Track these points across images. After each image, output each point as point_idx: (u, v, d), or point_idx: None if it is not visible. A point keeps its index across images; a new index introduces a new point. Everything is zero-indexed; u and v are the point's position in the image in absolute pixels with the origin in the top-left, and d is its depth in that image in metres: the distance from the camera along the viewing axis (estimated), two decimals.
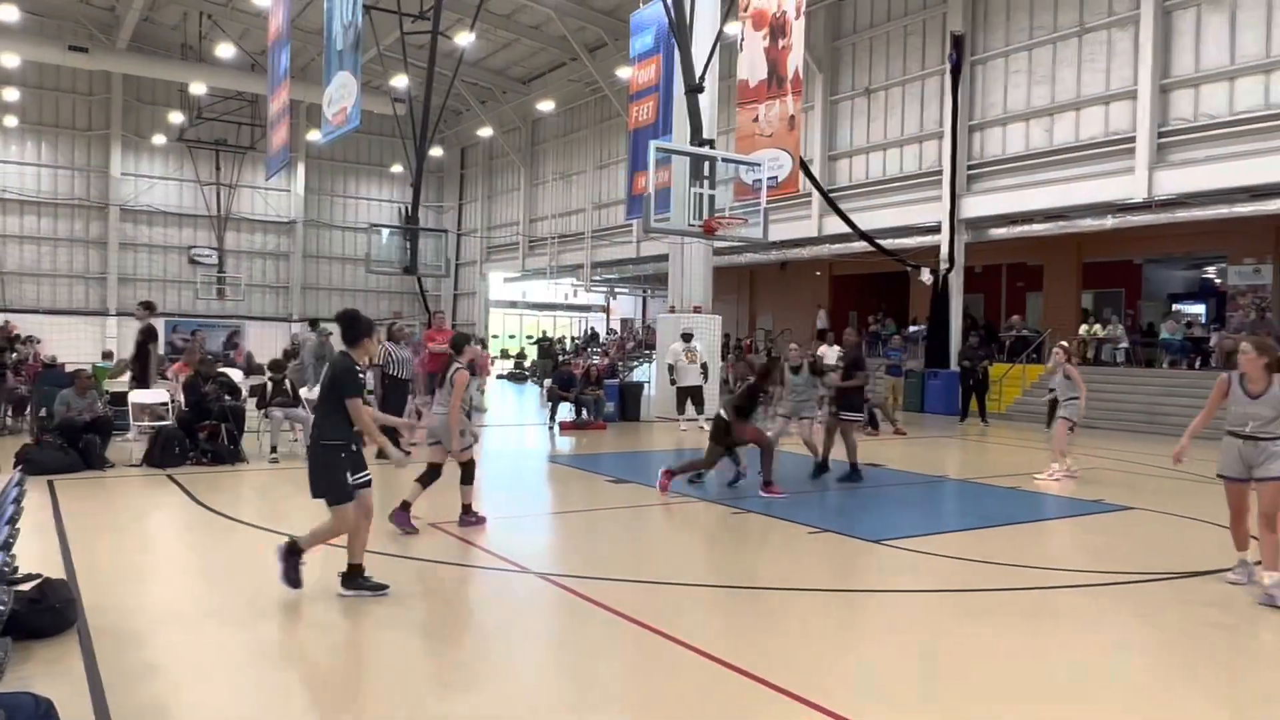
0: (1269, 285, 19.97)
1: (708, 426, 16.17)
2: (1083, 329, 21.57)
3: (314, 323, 20.44)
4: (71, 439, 10.39)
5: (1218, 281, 24.16)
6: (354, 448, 5.50)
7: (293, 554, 5.54)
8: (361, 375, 5.65)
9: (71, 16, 32.45)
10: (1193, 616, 5.68)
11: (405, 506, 7.58)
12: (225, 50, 30.27)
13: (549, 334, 40.48)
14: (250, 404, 12.63)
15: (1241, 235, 20.03)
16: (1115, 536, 7.98)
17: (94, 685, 4.13)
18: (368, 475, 5.59)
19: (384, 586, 5.58)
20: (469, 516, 7.88)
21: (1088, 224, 19.52)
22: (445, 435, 7.63)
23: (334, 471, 5.47)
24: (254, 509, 8.70)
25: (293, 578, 5.51)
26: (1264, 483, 5.96)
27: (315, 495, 5.51)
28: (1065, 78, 19.31)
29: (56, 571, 5.47)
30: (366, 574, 5.61)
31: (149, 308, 11.37)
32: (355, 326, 5.68)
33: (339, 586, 5.54)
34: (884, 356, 20.39)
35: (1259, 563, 6.01)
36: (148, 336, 11.39)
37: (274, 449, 11.37)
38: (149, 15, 31.56)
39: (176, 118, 35.18)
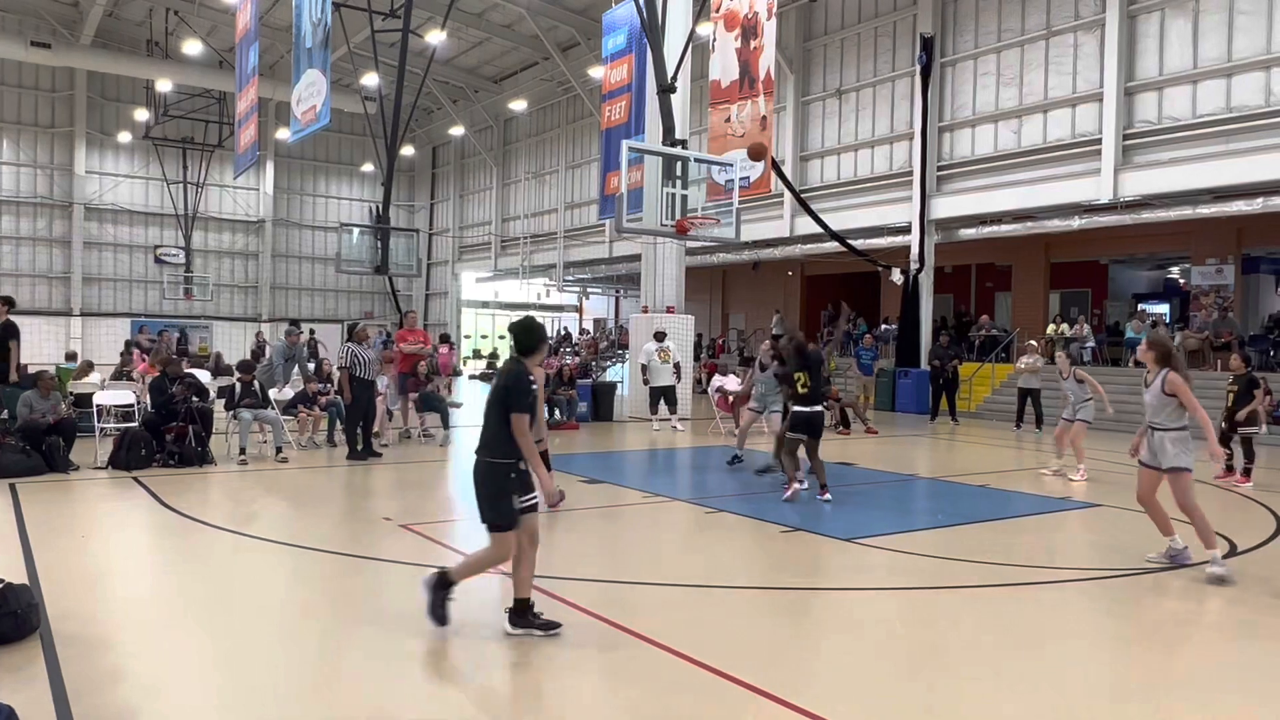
0: (1231, 285, 20.33)
1: (680, 426, 16.31)
2: (1050, 328, 21.84)
3: (294, 323, 20.25)
4: (34, 441, 10.21)
5: (1181, 281, 24.58)
6: (522, 467, 4.91)
7: (442, 586, 4.96)
8: (534, 387, 5.04)
9: (34, 12, 31.91)
10: (1158, 610, 5.77)
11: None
12: (192, 47, 29.90)
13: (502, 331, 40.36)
14: (218, 405, 12.47)
15: (1204, 236, 20.40)
16: (1082, 533, 8.09)
17: (57, 692, 4.06)
18: (535, 498, 5.01)
19: (556, 625, 4.92)
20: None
21: (1055, 225, 19.78)
22: None
23: (501, 494, 4.88)
24: (222, 512, 8.60)
25: (439, 614, 4.94)
26: (1163, 473, 6.46)
27: (484, 520, 4.94)
28: (1033, 80, 19.54)
29: (19, 576, 5.37)
30: (536, 609, 4.99)
31: (7, 303, 11.19)
32: (531, 334, 5.10)
33: (506, 624, 4.92)
34: (854, 356, 20.56)
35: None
36: (7, 333, 11.16)
37: (243, 451, 11.24)
38: (113, 11, 31.13)
39: (142, 115, 34.70)
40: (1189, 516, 6.42)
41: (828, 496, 9.01)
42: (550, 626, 4.91)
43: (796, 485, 9.13)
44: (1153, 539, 7.08)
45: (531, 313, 5.44)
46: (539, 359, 5.17)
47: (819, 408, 9.22)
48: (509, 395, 4.85)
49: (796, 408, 9.15)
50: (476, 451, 4.96)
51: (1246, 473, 10.55)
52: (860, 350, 20.64)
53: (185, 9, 30.37)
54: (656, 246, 18.73)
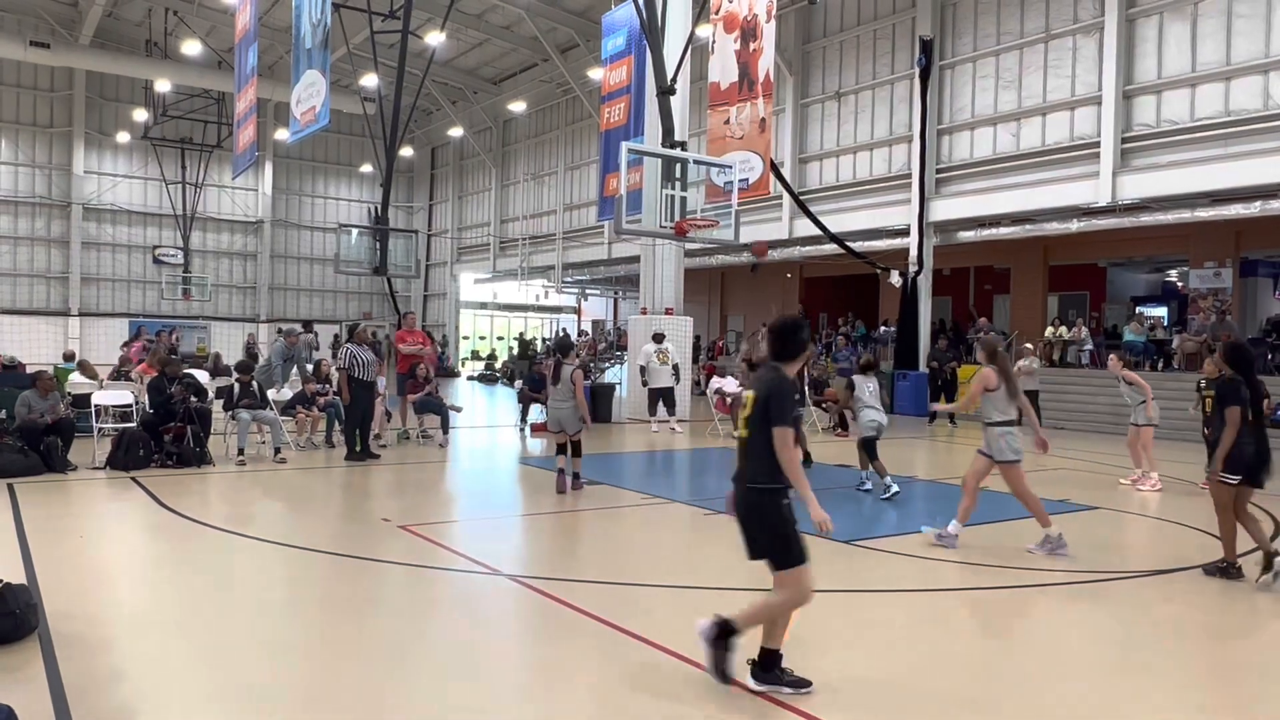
0: (1229, 288, 20.36)
1: (679, 428, 16.31)
2: (1048, 331, 21.86)
3: (307, 325, 20.25)
4: (32, 441, 10.20)
5: (1179, 285, 24.60)
6: (792, 493, 4.25)
7: (724, 635, 4.24)
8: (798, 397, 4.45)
9: (33, 12, 31.88)
10: (1156, 613, 5.78)
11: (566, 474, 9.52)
12: (191, 47, 29.86)
13: (524, 335, 40.38)
14: (217, 406, 12.47)
15: (1202, 239, 20.43)
16: (1082, 536, 8.09)
17: (56, 692, 4.06)
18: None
19: (807, 683, 4.25)
20: (578, 481, 9.68)
21: (1053, 227, 19.80)
22: (570, 422, 9.41)
23: (785, 524, 4.18)
24: (220, 512, 8.59)
25: (723, 670, 4.23)
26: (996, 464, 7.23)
27: (756, 556, 4.26)
28: (1031, 83, 19.56)
29: (17, 576, 5.36)
30: (786, 664, 4.32)
31: None
32: (796, 337, 4.39)
33: (748, 679, 4.26)
34: (833, 360, 20.62)
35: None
36: None
37: (241, 451, 11.23)
38: (112, 11, 31.11)
39: (141, 115, 34.66)
40: (1024, 504, 7.21)
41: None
42: (800, 685, 4.23)
43: None
44: (1151, 540, 7.10)
45: (792, 313, 4.75)
46: (799, 366, 4.45)
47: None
48: (771, 406, 4.17)
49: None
50: (736, 480, 4.30)
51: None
52: (837, 354, 20.68)
53: (184, 9, 30.36)
54: (655, 248, 18.74)
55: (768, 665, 4.27)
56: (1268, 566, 6.22)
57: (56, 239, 35.37)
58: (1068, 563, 6.86)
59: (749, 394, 4.33)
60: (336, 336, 19.43)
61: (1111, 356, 11.51)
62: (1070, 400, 19.07)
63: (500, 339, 39.43)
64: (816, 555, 7.13)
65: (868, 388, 10.01)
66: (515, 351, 36.07)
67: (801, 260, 26.62)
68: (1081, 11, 18.70)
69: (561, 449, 9.73)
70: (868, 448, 9.88)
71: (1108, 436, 16.23)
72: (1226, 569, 6.42)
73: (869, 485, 10.03)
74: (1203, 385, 8.44)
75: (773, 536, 4.20)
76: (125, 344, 20.08)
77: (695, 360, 24.25)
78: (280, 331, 26.24)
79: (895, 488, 9.54)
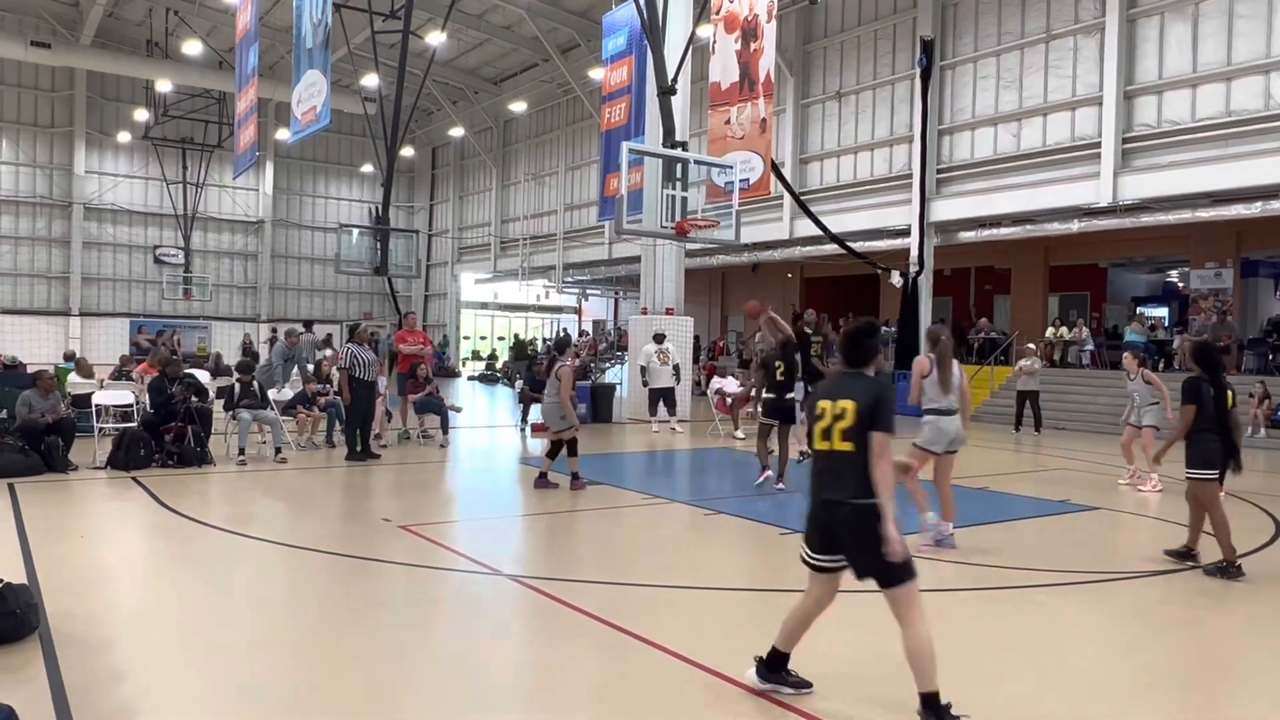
0: (1230, 289, 20.36)
1: (679, 428, 16.31)
2: (1049, 331, 21.87)
3: (308, 324, 20.20)
4: (33, 441, 10.20)
5: (1180, 285, 24.60)
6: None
7: (776, 666, 4.21)
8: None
9: (34, 12, 31.90)
10: (1157, 613, 5.77)
11: (543, 476, 9.70)
12: (192, 47, 29.87)
13: (520, 335, 40.39)
14: (217, 405, 12.47)
15: (1203, 240, 20.43)
16: (1082, 536, 8.09)
17: (57, 692, 4.06)
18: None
19: (808, 684, 4.23)
20: (578, 480, 9.71)
21: (1054, 228, 19.79)
22: (550, 417, 9.67)
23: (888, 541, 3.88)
24: (221, 512, 8.59)
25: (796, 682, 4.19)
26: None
27: (863, 575, 3.98)
28: (1032, 83, 19.56)
29: (18, 576, 5.36)
30: (791, 666, 4.25)
31: None
32: (871, 340, 4.18)
33: (751, 675, 4.25)
34: (833, 360, 20.59)
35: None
36: None
37: (241, 451, 11.23)
38: (113, 11, 31.11)
39: (142, 115, 34.67)
40: (938, 491, 7.42)
41: (781, 485, 9.71)
42: (802, 685, 4.21)
43: (769, 472, 9.77)
44: (1150, 541, 7.10)
45: (866, 317, 4.33)
46: (875, 368, 4.22)
47: (790, 396, 9.87)
48: (879, 413, 3.93)
49: (769, 395, 9.86)
50: (839, 499, 3.96)
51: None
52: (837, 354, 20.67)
53: (185, 9, 30.37)
54: (656, 248, 18.74)
55: (775, 665, 4.22)
56: (1184, 555, 6.78)
57: (57, 239, 35.38)
58: (1068, 563, 6.86)
59: (845, 403, 3.96)
60: (329, 336, 19.38)
61: (1126, 355, 11.30)
62: (1071, 401, 19.08)
63: (501, 339, 39.44)
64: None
65: None
66: (512, 352, 36.05)
67: (802, 260, 26.63)
68: (1082, 12, 18.70)
69: (553, 449, 9.87)
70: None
71: (1108, 437, 16.22)
72: (1226, 568, 6.46)
73: None
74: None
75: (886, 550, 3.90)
76: (135, 354, 20.02)
77: (695, 360, 24.25)
78: (273, 331, 26.26)
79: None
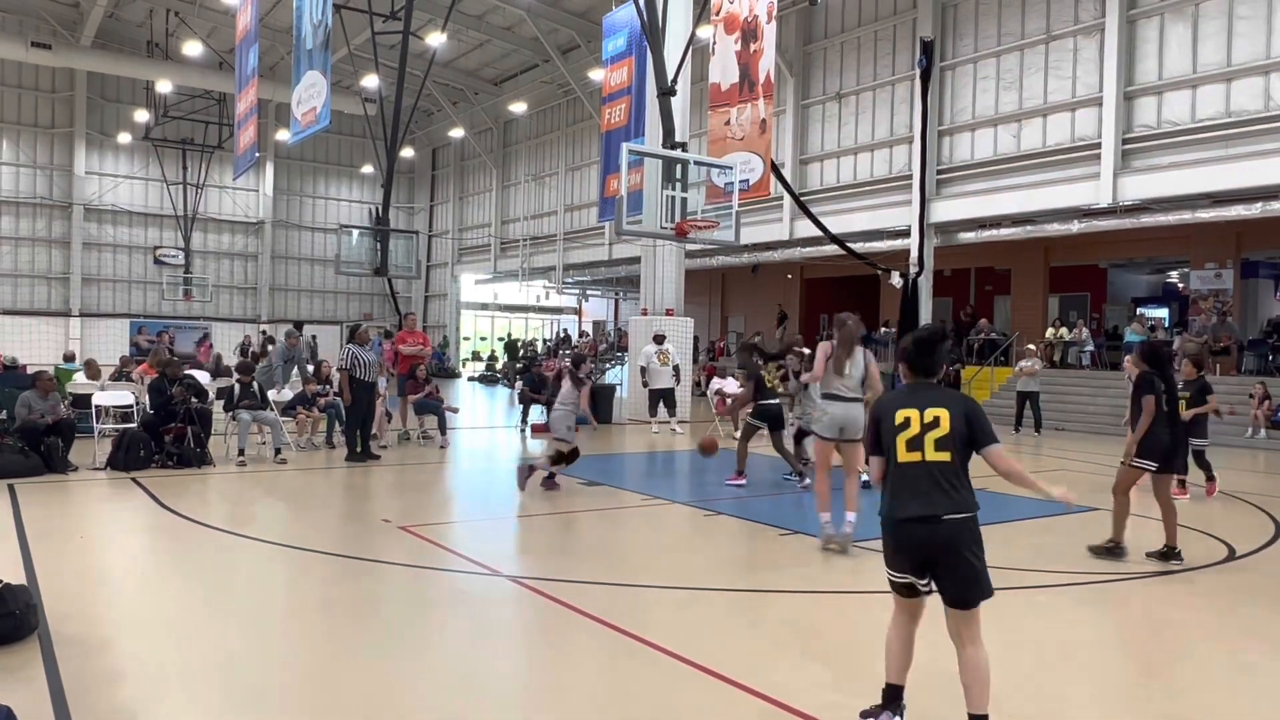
0: (1230, 289, 20.35)
1: (679, 429, 16.31)
2: (1049, 332, 21.87)
3: (298, 325, 20.10)
4: (33, 442, 10.20)
5: (1180, 286, 24.61)
6: None
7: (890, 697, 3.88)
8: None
9: (34, 13, 31.93)
10: (1157, 614, 5.77)
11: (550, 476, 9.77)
12: (192, 48, 29.91)
13: (513, 334, 40.43)
14: (217, 406, 12.47)
15: (1203, 240, 20.43)
16: (1082, 537, 8.08)
17: (55, 693, 4.06)
18: None
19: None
20: (552, 480, 9.77)
21: (1054, 228, 19.79)
22: (559, 427, 9.74)
23: (983, 551, 3.74)
24: (220, 513, 8.59)
25: None
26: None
27: (952, 595, 3.75)
28: (1032, 84, 19.57)
29: (18, 577, 5.36)
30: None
31: None
32: (936, 352, 3.91)
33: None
34: None
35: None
36: None
37: (241, 452, 11.23)
38: (114, 12, 31.14)
39: (142, 116, 34.71)
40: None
41: (743, 482, 10.09)
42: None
43: (743, 480, 10.16)
44: (1150, 542, 7.10)
45: (934, 325, 4.03)
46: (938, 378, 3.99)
47: (777, 401, 10.31)
48: (983, 423, 3.71)
49: (760, 401, 10.30)
50: (939, 515, 3.64)
51: (1181, 484, 9.72)
52: None
53: (186, 10, 30.40)
54: (656, 249, 18.74)
55: (894, 699, 3.89)
56: (1166, 555, 6.89)
57: (58, 240, 35.40)
58: (1068, 564, 6.85)
59: (938, 411, 3.69)
60: (314, 337, 19.32)
61: (1128, 358, 11.10)
62: (1071, 401, 19.08)
63: (501, 340, 39.46)
64: (820, 556, 7.16)
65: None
66: (504, 353, 36.17)
67: (802, 261, 26.63)
68: (1082, 13, 18.70)
69: (558, 457, 9.84)
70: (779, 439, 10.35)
71: (1108, 437, 16.21)
72: (1113, 549, 6.96)
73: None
74: (1179, 388, 8.59)
75: (982, 566, 3.71)
76: (135, 355, 19.97)
77: (695, 361, 24.25)
78: (263, 333, 26.25)
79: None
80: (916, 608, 3.87)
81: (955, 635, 3.74)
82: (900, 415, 3.76)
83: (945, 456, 3.66)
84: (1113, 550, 6.96)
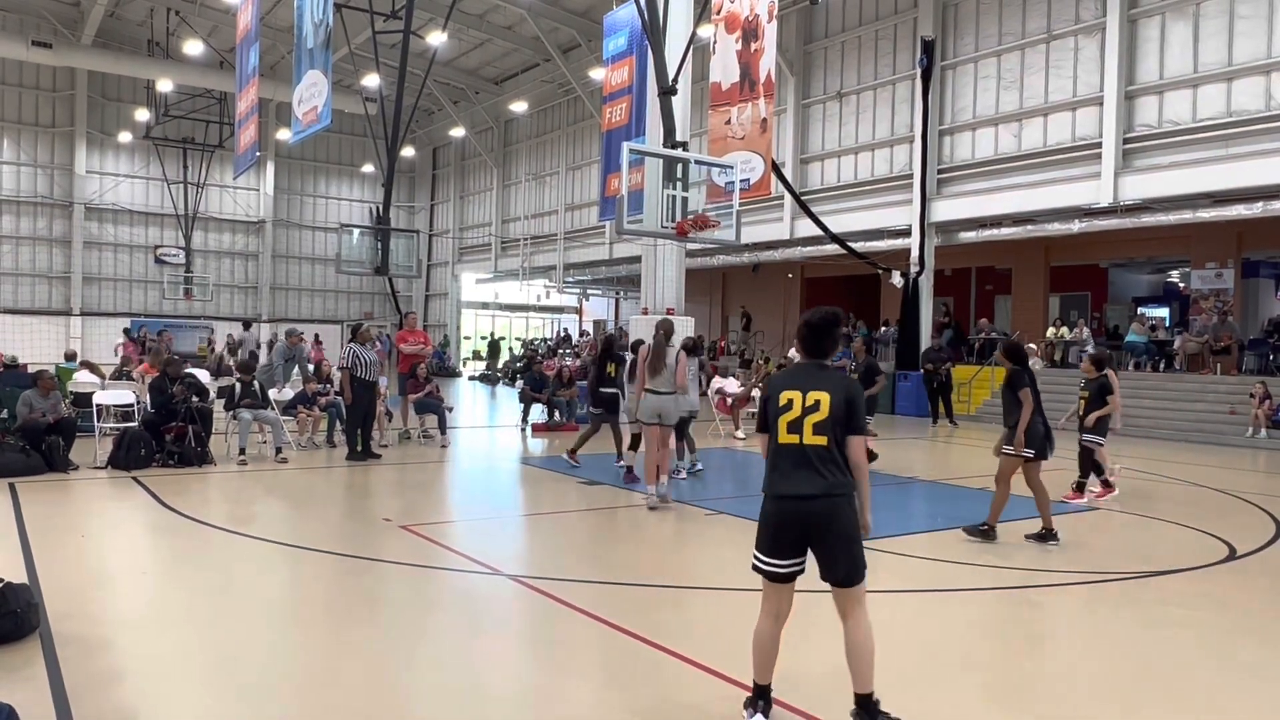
0: (1231, 289, 20.34)
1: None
2: (1050, 331, 21.86)
3: (246, 324, 20.19)
4: (34, 441, 10.20)
5: (1181, 285, 24.59)
6: None
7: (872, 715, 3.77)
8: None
9: (35, 12, 31.93)
10: (1156, 613, 5.77)
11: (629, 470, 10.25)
12: (193, 47, 29.90)
13: (495, 333, 40.48)
14: (218, 405, 12.48)
15: (1204, 240, 20.41)
16: (1082, 537, 8.09)
17: (57, 691, 4.06)
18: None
19: None
20: (631, 475, 10.18)
21: (1055, 228, 19.79)
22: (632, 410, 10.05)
23: (858, 531, 3.82)
24: (221, 512, 8.60)
25: None
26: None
27: (831, 571, 3.81)
28: (1033, 84, 19.56)
29: (18, 576, 5.37)
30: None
31: None
32: (837, 330, 4.02)
33: None
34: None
35: None
36: None
37: (242, 451, 11.23)
38: (114, 11, 31.14)
39: (143, 115, 34.70)
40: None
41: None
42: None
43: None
44: (1150, 541, 7.10)
45: (832, 309, 4.05)
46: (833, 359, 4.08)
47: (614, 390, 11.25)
48: (856, 411, 3.79)
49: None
50: (819, 494, 3.73)
51: (1106, 484, 9.85)
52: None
53: (186, 9, 30.39)
54: (656, 248, 18.71)
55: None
56: (1044, 537, 7.43)
57: (58, 239, 35.41)
58: (1067, 563, 6.86)
59: (819, 395, 3.77)
60: (301, 335, 19.19)
61: (1084, 361, 10.78)
62: (1071, 401, 19.02)
63: (502, 339, 39.44)
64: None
65: (690, 370, 10.03)
66: (487, 352, 36.35)
67: (803, 261, 26.63)
68: (1083, 12, 18.70)
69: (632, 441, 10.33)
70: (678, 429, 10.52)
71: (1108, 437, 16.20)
72: (987, 531, 7.43)
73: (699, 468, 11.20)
74: (1081, 385, 9.73)
75: (855, 547, 3.78)
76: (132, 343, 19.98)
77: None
78: (245, 329, 26.27)
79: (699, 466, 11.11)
80: (784, 604, 3.92)
81: (841, 615, 3.86)
82: (784, 397, 3.86)
83: (822, 440, 3.76)
84: (986, 533, 7.45)
